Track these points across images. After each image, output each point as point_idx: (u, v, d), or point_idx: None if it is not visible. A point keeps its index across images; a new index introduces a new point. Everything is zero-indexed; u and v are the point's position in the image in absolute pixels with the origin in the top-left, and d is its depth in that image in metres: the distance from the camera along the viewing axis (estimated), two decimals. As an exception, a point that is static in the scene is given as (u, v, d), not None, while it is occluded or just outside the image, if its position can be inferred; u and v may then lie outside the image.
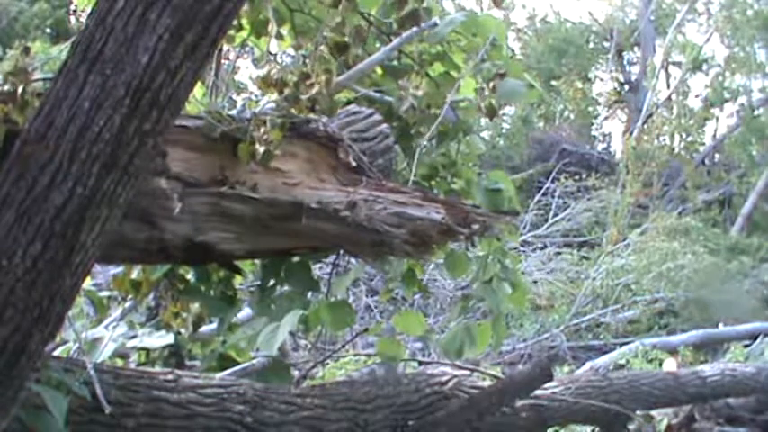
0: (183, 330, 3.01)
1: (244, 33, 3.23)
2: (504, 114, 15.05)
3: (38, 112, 1.70)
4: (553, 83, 16.92)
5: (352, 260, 3.40)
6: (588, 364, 6.92)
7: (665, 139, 14.51)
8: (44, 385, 2.13)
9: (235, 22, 2.89)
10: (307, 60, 2.71)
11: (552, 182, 11.89)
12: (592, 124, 17.78)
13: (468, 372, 3.52)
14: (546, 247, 10.36)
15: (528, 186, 12.62)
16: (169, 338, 3.07)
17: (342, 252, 3.09)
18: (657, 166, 13.20)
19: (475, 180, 3.30)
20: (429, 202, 2.75)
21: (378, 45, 3.39)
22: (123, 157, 1.67)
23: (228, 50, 4.38)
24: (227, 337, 3.16)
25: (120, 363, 3.28)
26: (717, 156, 16.28)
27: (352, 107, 2.96)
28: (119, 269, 3.02)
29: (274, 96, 2.51)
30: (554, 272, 9.50)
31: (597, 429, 4.39)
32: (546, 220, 11.08)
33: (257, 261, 3.05)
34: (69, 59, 1.68)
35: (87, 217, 1.67)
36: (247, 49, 4.64)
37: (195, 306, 3.00)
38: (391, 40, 3.25)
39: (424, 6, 3.11)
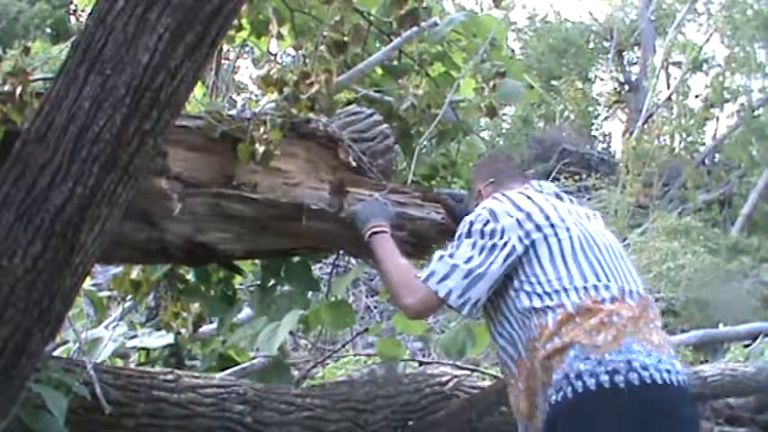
0: (183, 330, 3.01)
1: (244, 33, 3.23)
2: (504, 114, 15.03)
3: (38, 112, 1.70)
4: (553, 83, 16.92)
5: (352, 260, 3.41)
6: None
7: (665, 140, 14.49)
8: (44, 385, 2.13)
9: (235, 22, 2.89)
10: (307, 60, 2.71)
11: (552, 182, 11.86)
12: (592, 124, 17.76)
13: (468, 372, 3.52)
14: (546, 246, 10.33)
15: (528, 186, 12.59)
16: (169, 338, 3.07)
17: (342, 252, 3.09)
18: (657, 167, 13.18)
19: (475, 180, 3.30)
20: (429, 202, 2.75)
21: (378, 45, 3.39)
22: (123, 157, 1.67)
23: (228, 50, 4.38)
24: (227, 337, 3.16)
25: (120, 363, 3.28)
26: (717, 156, 16.27)
27: (353, 107, 2.96)
28: (119, 269, 3.02)
29: (274, 96, 2.50)
30: (554, 272, 9.48)
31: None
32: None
33: (257, 261, 3.05)
34: (69, 59, 1.68)
35: (87, 217, 1.67)
36: (247, 49, 4.64)
37: (195, 306, 3.00)
38: (391, 40, 3.25)
39: (424, 6, 3.11)
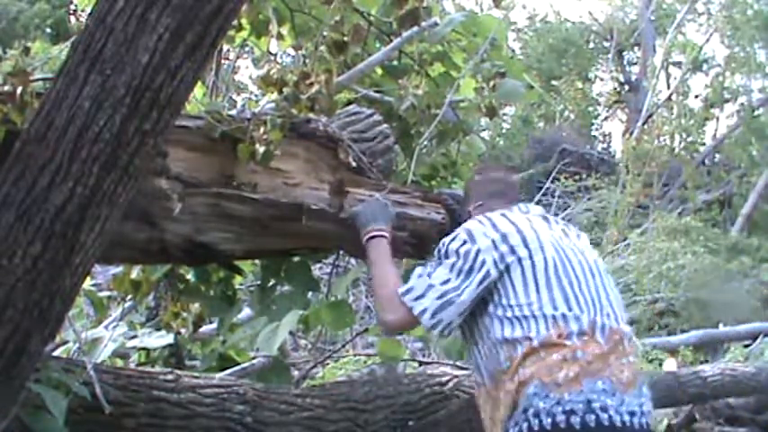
0: (183, 330, 3.01)
1: (244, 33, 3.23)
2: (504, 114, 15.04)
3: (38, 112, 1.70)
4: (553, 83, 16.92)
5: (352, 260, 3.41)
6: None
7: (665, 139, 14.50)
8: (44, 385, 2.12)
9: (235, 22, 2.89)
10: (307, 60, 2.71)
11: (552, 182, 11.88)
12: (592, 124, 17.78)
13: (468, 372, 3.52)
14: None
15: (528, 186, 12.62)
16: (169, 338, 3.07)
17: (342, 252, 3.09)
18: (657, 166, 13.18)
19: (475, 180, 3.29)
20: (429, 202, 2.76)
21: (378, 45, 3.39)
22: (123, 157, 1.67)
23: (228, 50, 4.38)
24: (227, 337, 3.16)
25: (120, 363, 3.28)
26: (717, 156, 16.29)
27: (353, 107, 2.96)
28: (119, 269, 3.02)
29: (274, 96, 2.50)
30: (554, 272, 9.46)
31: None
32: (546, 221, 11.03)
33: (257, 261, 3.05)
34: (69, 59, 1.68)
35: (87, 217, 1.67)
36: (247, 49, 4.64)
37: (195, 306, 3.00)
38: (391, 40, 3.25)
39: (424, 6, 3.11)
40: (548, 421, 1.93)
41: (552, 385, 1.95)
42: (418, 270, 2.19)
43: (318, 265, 4.28)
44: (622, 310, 2.17)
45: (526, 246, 2.11)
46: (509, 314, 2.05)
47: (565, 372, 1.96)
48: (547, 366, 1.97)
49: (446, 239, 2.19)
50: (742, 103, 16.31)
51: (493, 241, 2.11)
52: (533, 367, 1.98)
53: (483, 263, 2.09)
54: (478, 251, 2.11)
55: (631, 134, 14.02)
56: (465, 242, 2.14)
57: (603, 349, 2.01)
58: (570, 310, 2.04)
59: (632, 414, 1.97)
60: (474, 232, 2.15)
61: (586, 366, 1.97)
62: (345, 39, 2.83)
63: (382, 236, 2.38)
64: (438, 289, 2.11)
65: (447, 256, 2.15)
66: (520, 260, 2.09)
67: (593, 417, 1.92)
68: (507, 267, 2.09)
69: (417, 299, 2.12)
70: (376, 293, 2.26)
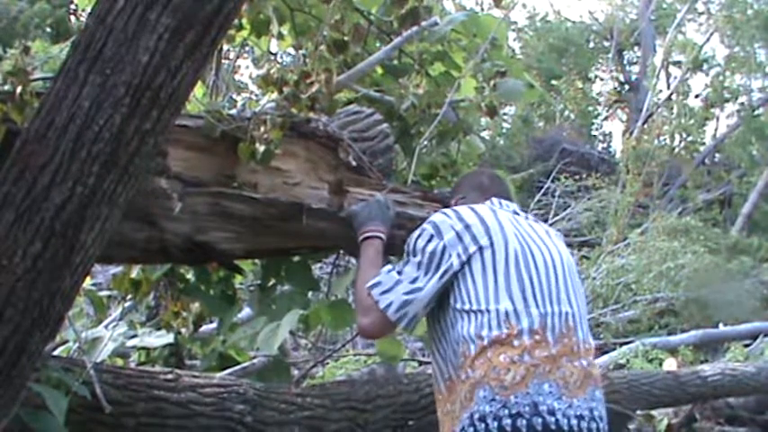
0: (183, 330, 3.01)
1: (244, 33, 3.23)
2: (504, 114, 15.05)
3: (38, 111, 1.70)
4: (553, 83, 16.91)
5: (352, 260, 3.41)
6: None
7: (665, 139, 14.50)
8: (44, 385, 2.13)
9: (235, 22, 2.89)
10: (307, 59, 2.71)
11: (552, 182, 11.87)
12: (592, 124, 17.77)
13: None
14: (546, 246, 10.29)
15: (528, 186, 12.62)
16: (169, 338, 3.07)
17: (342, 252, 3.09)
18: (657, 166, 13.18)
19: (475, 180, 3.29)
20: (429, 202, 2.76)
21: (378, 44, 3.39)
22: (123, 156, 1.67)
23: (228, 50, 4.38)
24: (227, 337, 3.16)
25: (120, 362, 3.28)
26: (717, 156, 16.30)
27: (353, 107, 2.96)
28: (119, 269, 3.02)
29: (274, 95, 2.50)
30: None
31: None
32: (546, 220, 11.05)
33: (257, 261, 3.05)
34: (69, 59, 1.68)
35: (87, 216, 1.67)
36: (247, 48, 4.64)
37: (195, 306, 3.00)
38: (391, 40, 3.25)
39: (424, 5, 3.11)
40: (494, 425, 1.92)
41: (499, 388, 1.95)
42: (387, 266, 2.20)
43: (318, 265, 4.28)
44: (583, 311, 2.16)
45: (488, 236, 2.11)
46: (466, 307, 2.05)
47: (512, 373, 1.96)
48: (495, 369, 1.96)
49: (414, 235, 2.20)
50: (742, 103, 16.33)
51: (457, 233, 2.12)
52: (482, 369, 1.98)
53: (449, 257, 2.10)
54: (444, 247, 2.11)
55: (631, 134, 14.02)
56: (432, 238, 2.14)
57: (552, 351, 2.00)
58: (525, 303, 2.03)
59: (580, 418, 1.96)
60: (440, 226, 2.15)
61: (533, 369, 1.97)
62: (345, 38, 2.83)
63: (376, 236, 2.37)
64: (406, 286, 2.11)
65: (415, 254, 2.15)
66: (481, 249, 2.09)
67: (540, 420, 1.92)
68: (469, 258, 2.09)
69: (384, 293, 2.12)
70: (355, 296, 2.24)
